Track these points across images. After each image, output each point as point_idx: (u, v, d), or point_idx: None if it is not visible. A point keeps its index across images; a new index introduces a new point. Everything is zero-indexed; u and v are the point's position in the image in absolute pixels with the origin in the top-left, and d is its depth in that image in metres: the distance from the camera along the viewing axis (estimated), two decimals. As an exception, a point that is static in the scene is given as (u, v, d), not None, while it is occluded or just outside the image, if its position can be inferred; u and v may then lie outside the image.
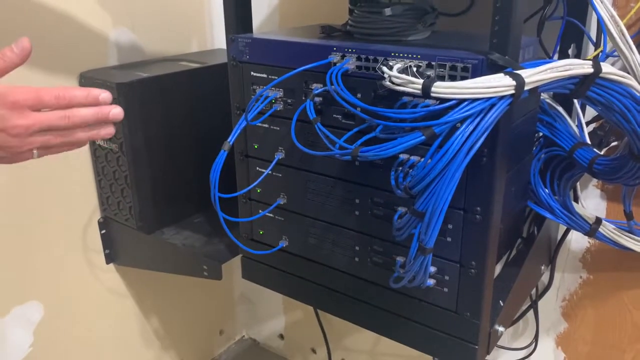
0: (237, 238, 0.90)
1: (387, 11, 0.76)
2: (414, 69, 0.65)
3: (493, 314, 0.78)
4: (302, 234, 0.88)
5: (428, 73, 0.66)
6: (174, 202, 1.14)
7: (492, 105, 0.58)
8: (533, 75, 0.58)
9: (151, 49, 1.21)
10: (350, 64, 0.72)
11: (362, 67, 0.72)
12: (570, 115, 0.89)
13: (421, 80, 0.60)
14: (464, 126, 0.57)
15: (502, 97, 0.57)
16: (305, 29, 0.92)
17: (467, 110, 0.57)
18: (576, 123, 0.88)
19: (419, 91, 0.60)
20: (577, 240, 1.02)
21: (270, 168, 0.84)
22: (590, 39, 0.88)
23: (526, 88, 0.58)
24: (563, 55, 0.92)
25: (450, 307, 0.75)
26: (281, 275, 0.93)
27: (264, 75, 0.82)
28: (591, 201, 0.99)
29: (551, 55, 0.91)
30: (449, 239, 0.72)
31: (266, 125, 0.85)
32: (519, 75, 0.57)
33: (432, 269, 0.74)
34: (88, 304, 1.22)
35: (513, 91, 0.57)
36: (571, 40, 0.90)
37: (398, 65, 0.66)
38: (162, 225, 1.13)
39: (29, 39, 0.56)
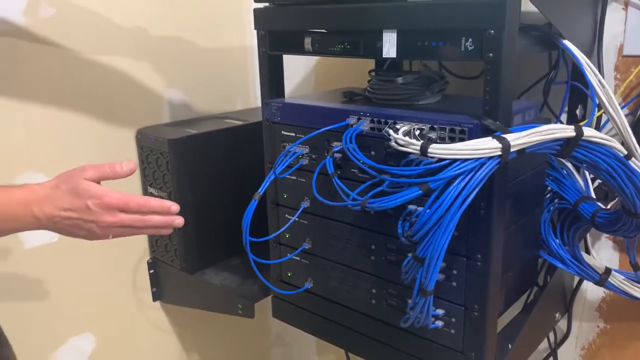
0: (268, 279, 0.99)
1: (399, 80, 0.86)
2: (417, 132, 0.74)
3: (500, 356, 0.84)
4: (325, 276, 0.96)
5: (430, 135, 0.75)
6: (215, 246, 1.25)
7: (482, 165, 0.66)
8: (518, 139, 0.66)
9: (200, 107, 1.36)
10: (365, 125, 0.82)
11: (375, 128, 0.82)
12: (578, 171, 0.95)
13: (419, 142, 0.69)
14: (456, 182, 0.66)
15: (490, 157, 0.66)
16: (330, 94, 1.04)
17: (459, 169, 0.66)
18: (583, 178, 0.94)
19: (417, 151, 0.69)
20: (592, 290, 1.06)
21: (296, 215, 0.94)
22: (593, 101, 0.96)
23: (512, 150, 0.66)
24: (571, 116, 0.99)
25: (457, 348, 0.82)
26: (308, 315, 1.01)
27: (293, 134, 0.94)
28: (604, 252, 1.03)
29: (558, 116, 0.98)
30: (454, 284, 0.79)
31: (294, 178, 0.95)
32: (504, 138, 0.66)
33: (440, 312, 0.81)
34: (135, 338, 1.33)
35: (500, 152, 0.66)
36: (578, 102, 0.98)
37: (404, 128, 0.75)
38: (204, 267, 1.24)
39: (135, 163, 0.75)
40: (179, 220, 0.78)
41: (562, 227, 0.96)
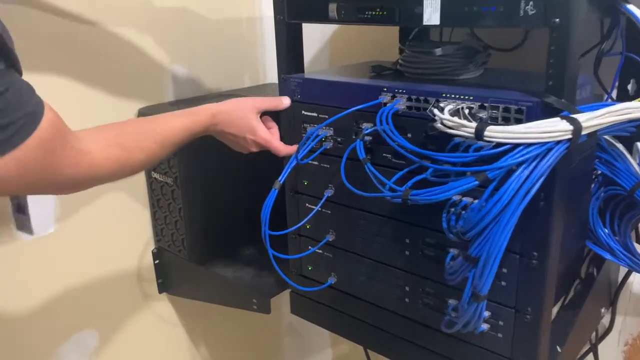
0: (286, 274, 0.90)
1: (438, 51, 0.76)
2: (466, 111, 0.64)
3: (550, 361, 0.75)
4: (351, 272, 0.87)
5: (480, 115, 0.65)
6: (226, 235, 1.16)
7: (549, 150, 0.56)
8: (591, 120, 0.57)
9: (206, 84, 1.25)
10: (401, 104, 0.72)
11: (413, 107, 0.72)
12: (630, 153, 0.85)
13: (474, 124, 0.59)
14: (519, 171, 0.56)
15: (558, 142, 0.56)
16: (355, 68, 0.93)
17: (522, 155, 0.56)
18: (637, 161, 0.84)
19: (471, 135, 0.59)
20: (639, 283, 0.97)
21: (319, 205, 0.84)
22: (654, 74, 0.85)
23: (584, 132, 0.56)
24: (622, 91, 0.89)
25: (505, 353, 0.73)
26: (330, 312, 0.93)
27: (315, 114, 0.84)
28: (655, 242, 0.94)
29: (609, 91, 0.88)
30: (503, 283, 0.70)
31: (316, 163, 0.85)
32: (576, 120, 0.56)
33: (486, 314, 0.72)
34: (141, 331, 1.25)
35: (570, 136, 0.56)
36: (630, 76, 0.87)
37: (449, 107, 0.65)
38: (213, 257, 1.15)
39: (289, 99, 0.86)
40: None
41: (612, 216, 0.87)
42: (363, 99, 0.76)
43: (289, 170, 0.80)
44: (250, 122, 0.82)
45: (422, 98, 0.71)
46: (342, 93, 0.79)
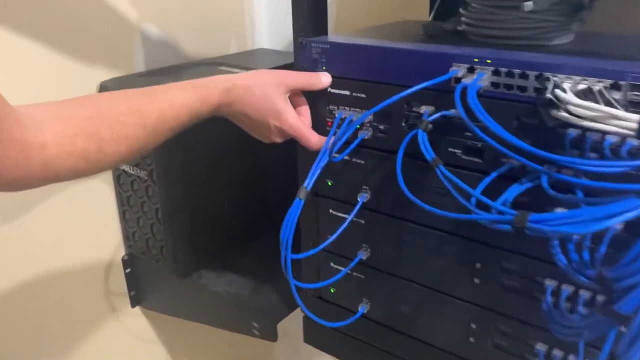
0: (301, 296, 0.69)
1: (528, 5, 0.54)
2: (603, 94, 0.43)
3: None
4: (391, 299, 0.67)
5: (614, 97, 0.44)
6: (216, 239, 0.94)
7: None
8: None
9: (184, 50, 1.00)
10: (484, 80, 0.51)
11: (501, 84, 0.51)
12: None
13: (637, 117, 0.38)
14: None
15: None
16: (396, 29, 0.71)
17: None
18: None
19: (631, 130, 0.38)
20: None
21: (353, 213, 0.63)
22: None
23: None
24: None
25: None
26: (358, 346, 0.73)
27: (346, 93, 0.61)
28: None
29: None
30: None
31: (346, 158, 0.64)
32: None
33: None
34: (111, 351, 1.03)
35: None
36: None
37: (581, 87, 0.44)
38: (201, 267, 0.93)
39: (329, 75, 0.63)
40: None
41: None
42: (422, 71, 0.55)
43: (318, 171, 0.58)
44: (275, 103, 0.60)
45: (517, 72, 0.49)
46: (390, 63, 0.57)
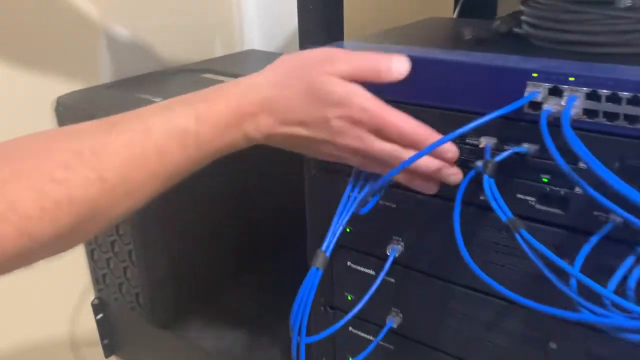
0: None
1: (626, 1, 0.40)
2: None
3: None
4: (430, 377, 0.52)
5: None
6: (202, 282, 0.79)
7: None
8: None
9: (160, 55, 0.85)
10: (576, 106, 0.36)
11: (600, 112, 0.36)
12: None
13: None
14: None
15: None
16: (428, 31, 0.56)
17: None
18: None
19: None
20: None
21: (384, 271, 0.48)
22: None
23: None
24: None
25: None
26: None
27: (374, 117, 0.47)
28: None
29: None
30: None
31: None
32: None
33: None
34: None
35: None
36: None
37: None
38: (184, 315, 0.78)
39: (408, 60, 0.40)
40: (456, 177, 0.42)
41: None
42: (483, 92, 0.40)
43: (342, 227, 0.43)
44: (325, 84, 0.39)
45: (625, 95, 0.35)
46: (436, 80, 0.42)
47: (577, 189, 0.39)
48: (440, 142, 0.39)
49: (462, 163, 0.43)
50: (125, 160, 0.36)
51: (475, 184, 0.41)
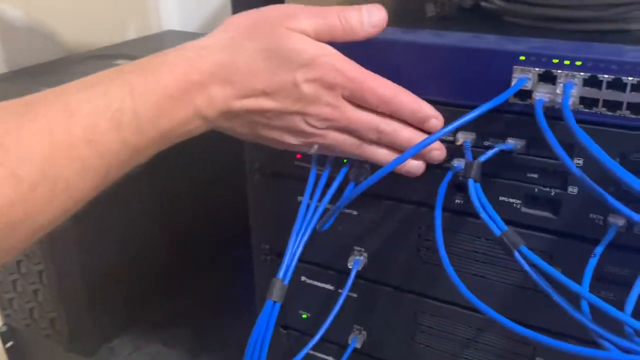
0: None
1: (613, -31, 0.35)
2: None
3: None
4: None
5: None
6: (127, 302, 0.69)
7: None
8: None
9: (62, 40, 0.73)
10: (573, 94, 0.31)
11: (600, 101, 0.31)
12: None
13: None
14: None
15: None
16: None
17: None
18: None
19: None
20: None
21: (348, 287, 0.41)
22: None
23: None
24: None
25: None
26: None
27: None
28: None
29: None
30: None
31: (328, 205, 0.42)
32: None
33: None
34: None
35: None
36: None
37: None
38: (110, 337, 0.68)
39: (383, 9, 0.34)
40: (439, 153, 0.36)
41: None
42: (459, 78, 0.34)
43: (301, 248, 0.36)
44: (295, 42, 0.32)
45: (630, 80, 0.30)
46: (404, 66, 0.36)
47: (571, 189, 0.34)
48: (430, 141, 0.32)
49: (434, 164, 0.37)
50: (45, 150, 0.27)
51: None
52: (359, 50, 0.34)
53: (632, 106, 0.30)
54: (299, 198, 0.44)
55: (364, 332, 0.46)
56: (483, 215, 0.30)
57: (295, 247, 0.35)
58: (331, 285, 0.46)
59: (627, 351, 0.25)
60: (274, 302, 0.34)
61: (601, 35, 0.36)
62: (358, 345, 0.46)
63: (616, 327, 0.28)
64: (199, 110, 0.32)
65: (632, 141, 0.31)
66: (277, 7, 0.34)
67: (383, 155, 0.36)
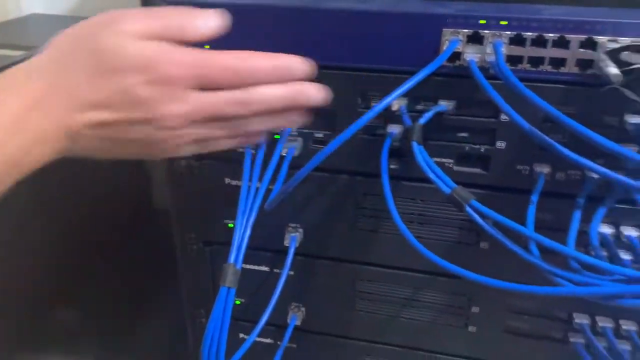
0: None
1: None
2: None
3: None
4: (343, 370, 0.47)
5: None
6: (29, 309, 0.62)
7: None
8: None
9: None
10: (503, 50, 0.33)
11: (524, 58, 0.33)
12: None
13: None
14: None
15: None
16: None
17: None
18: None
19: None
20: None
21: (288, 266, 0.40)
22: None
23: None
24: None
25: None
26: None
27: (254, 85, 0.38)
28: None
29: None
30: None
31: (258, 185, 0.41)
32: None
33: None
34: None
35: None
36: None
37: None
38: (12, 351, 0.61)
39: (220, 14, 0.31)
40: (315, 91, 0.33)
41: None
42: (389, 44, 0.34)
43: (249, 231, 0.34)
44: (119, 46, 0.30)
45: (550, 37, 0.32)
46: (327, 34, 0.35)
47: (499, 144, 0.36)
48: (362, 122, 0.32)
49: (369, 130, 0.37)
50: None
51: (375, 152, 0.36)
52: (290, 17, 0.33)
53: (553, 61, 0.33)
54: (227, 180, 0.42)
55: (303, 309, 0.46)
56: (431, 175, 0.31)
57: (243, 229, 0.33)
58: (266, 267, 0.45)
59: (579, 284, 0.27)
60: (229, 288, 0.33)
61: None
62: (298, 323, 0.46)
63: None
64: (40, 133, 0.30)
65: (552, 94, 0.34)
66: (105, 14, 0.31)
67: (259, 126, 0.34)
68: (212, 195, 0.42)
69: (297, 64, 0.32)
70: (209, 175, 0.42)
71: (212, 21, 0.31)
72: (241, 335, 0.48)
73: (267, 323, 0.46)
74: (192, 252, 0.46)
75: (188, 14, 0.31)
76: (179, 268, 0.47)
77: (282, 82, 0.32)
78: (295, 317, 0.45)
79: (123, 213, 0.69)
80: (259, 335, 0.47)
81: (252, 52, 0.31)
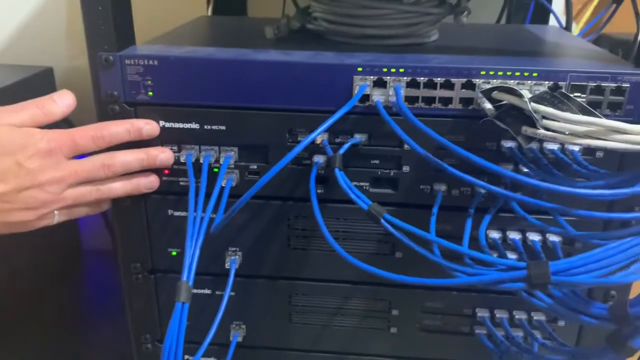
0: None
1: (410, -4, 0.45)
2: (559, 97, 0.37)
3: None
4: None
5: (565, 101, 0.39)
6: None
7: None
8: None
9: None
10: (402, 93, 0.40)
11: (419, 98, 0.41)
12: None
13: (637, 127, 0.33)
14: None
15: None
16: (217, 32, 0.54)
17: None
18: None
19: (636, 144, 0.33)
20: None
21: (229, 286, 0.45)
22: None
23: None
24: None
25: None
26: None
27: (194, 126, 0.43)
28: None
29: None
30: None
31: (182, 214, 0.45)
32: None
33: None
34: None
35: None
36: None
37: (529, 93, 0.37)
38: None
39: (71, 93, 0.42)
40: (165, 155, 0.43)
41: None
42: (309, 89, 0.41)
43: (198, 251, 0.39)
44: (5, 134, 0.39)
45: (439, 80, 0.40)
46: (258, 82, 0.41)
47: (405, 169, 0.43)
48: (293, 154, 0.38)
49: (297, 161, 0.43)
50: None
51: (302, 179, 0.42)
52: (227, 69, 0.39)
53: (442, 99, 0.40)
54: (170, 212, 0.46)
55: (244, 326, 0.50)
56: (352, 195, 0.38)
57: (192, 250, 0.38)
58: (207, 290, 0.49)
59: (471, 275, 0.34)
60: (183, 303, 0.37)
61: (405, 47, 0.47)
62: (240, 339, 0.50)
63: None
64: None
65: (443, 126, 0.41)
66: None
67: (118, 187, 0.43)
68: (156, 226, 0.47)
69: (148, 125, 0.42)
70: (153, 208, 0.46)
71: (66, 100, 0.41)
72: (186, 357, 0.52)
73: (211, 342, 0.51)
74: (137, 281, 0.49)
75: (48, 100, 0.40)
76: (125, 296, 0.50)
77: (137, 147, 0.42)
78: (237, 334, 0.50)
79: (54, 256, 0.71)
80: (204, 355, 0.51)
81: (109, 121, 0.41)
